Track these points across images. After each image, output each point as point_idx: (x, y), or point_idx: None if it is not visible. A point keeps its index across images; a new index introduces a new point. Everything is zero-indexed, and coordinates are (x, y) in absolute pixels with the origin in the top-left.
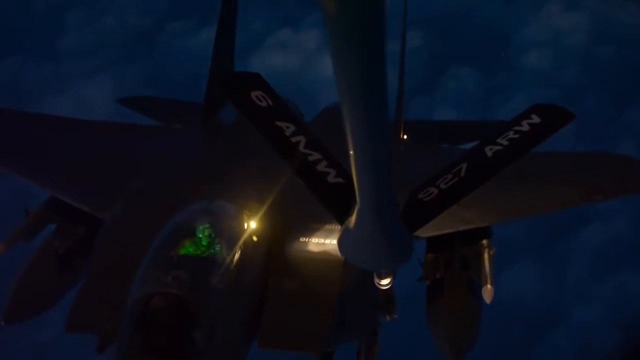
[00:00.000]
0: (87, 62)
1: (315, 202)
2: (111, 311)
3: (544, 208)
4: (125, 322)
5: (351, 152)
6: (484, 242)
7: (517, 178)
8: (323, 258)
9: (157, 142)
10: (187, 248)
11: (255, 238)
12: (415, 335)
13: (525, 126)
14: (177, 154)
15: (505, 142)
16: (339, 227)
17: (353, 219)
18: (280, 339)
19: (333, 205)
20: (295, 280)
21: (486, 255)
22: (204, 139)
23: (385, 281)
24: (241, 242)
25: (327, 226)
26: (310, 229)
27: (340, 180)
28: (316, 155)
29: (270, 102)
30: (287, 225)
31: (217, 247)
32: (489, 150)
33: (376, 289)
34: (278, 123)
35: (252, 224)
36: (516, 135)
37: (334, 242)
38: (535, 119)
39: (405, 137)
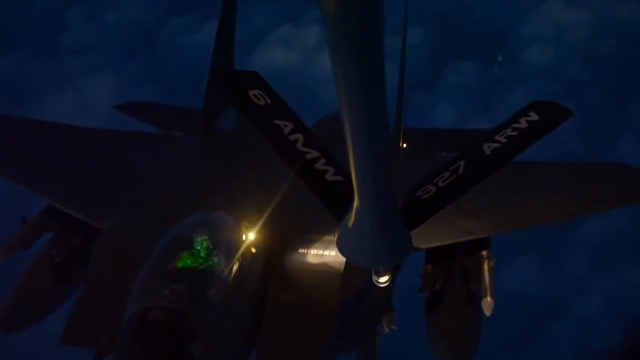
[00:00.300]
0: (89, 59)
1: (314, 214)
2: (108, 324)
3: (545, 218)
4: (122, 335)
5: (350, 150)
6: (484, 253)
7: (517, 188)
8: (322, 269)
9: (156, 150)
10: (185, 260)
11: (253, 249)
12: (415, 344)
13: (523, 123)
14: (175, 164)
15: (503, 140)
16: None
17: (351, 217)
18: (280, 351)
19: (331, 203)
20: (294, 292)
21: (486, 267)
22: (202, 148)
23: (384, 279)
24: (239, 253)
25: (326, 237)
26: (309, 241)
27: (338, 178)
28: (314, 153)
29: (268, 101)
30: (285, 236)
31: (216, 259)
32: (487, 148)
33: (375, 300)
34: (276, 121)
35: (250, 236)
36: (514, 133)
37: (333, 253)
38: (534, 117)
39: (404, 145)
